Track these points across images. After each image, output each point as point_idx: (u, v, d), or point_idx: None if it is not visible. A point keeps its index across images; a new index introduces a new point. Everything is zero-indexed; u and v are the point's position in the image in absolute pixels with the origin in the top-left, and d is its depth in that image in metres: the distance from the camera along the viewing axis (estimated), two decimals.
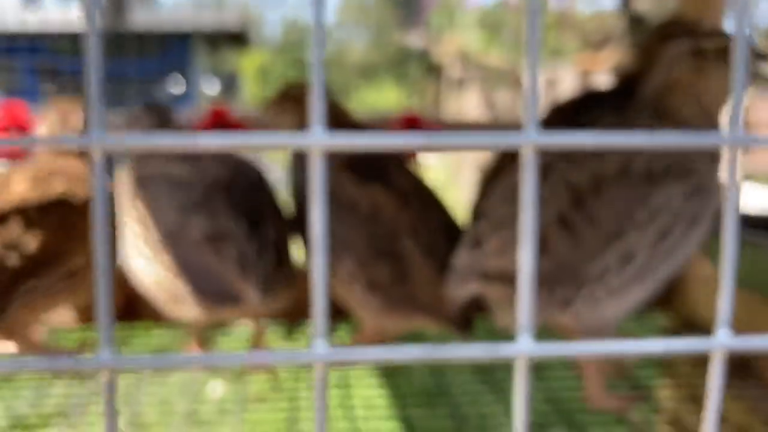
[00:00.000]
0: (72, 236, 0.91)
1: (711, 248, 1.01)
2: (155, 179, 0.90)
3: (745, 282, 0.99)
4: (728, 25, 1.00)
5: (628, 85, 0.80)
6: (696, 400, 0.86)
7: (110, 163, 0.97)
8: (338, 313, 0.98)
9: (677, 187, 0.74)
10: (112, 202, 0.93)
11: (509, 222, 0.77)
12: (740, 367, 0.94)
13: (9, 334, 0.92)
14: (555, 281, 0.75)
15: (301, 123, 0.92)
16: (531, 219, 0.25)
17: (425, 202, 0.91)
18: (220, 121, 1.13)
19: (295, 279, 0.91)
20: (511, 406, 0.74)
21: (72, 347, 1.03)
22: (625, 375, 0.90)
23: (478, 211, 0.81)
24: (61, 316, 1.11)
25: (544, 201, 0.74)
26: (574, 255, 0.75)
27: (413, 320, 0.90)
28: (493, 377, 0.93)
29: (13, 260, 0.86)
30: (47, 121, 0.99)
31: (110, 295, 0.24)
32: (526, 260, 0.25)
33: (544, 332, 0.80)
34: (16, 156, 1.16)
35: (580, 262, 0.75)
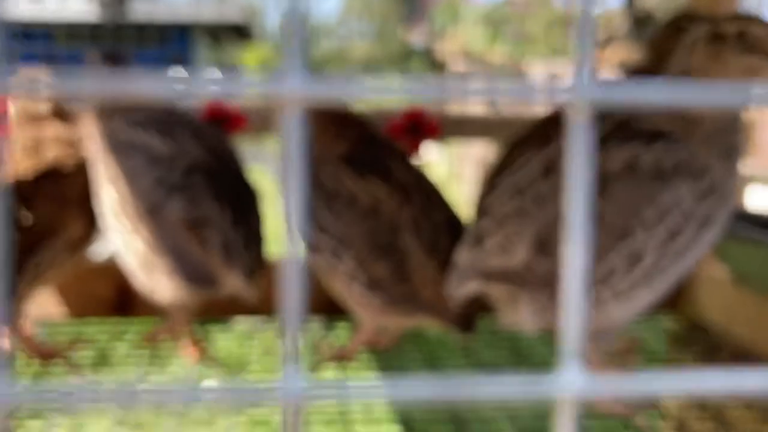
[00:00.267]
0: (67, 205, 0.90)
1: (722, 249, 0.98)
2: (130, 148, 0.88)
3: (754, 282, 0.97)
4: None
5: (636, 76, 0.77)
6: (702, 406, 0.84)
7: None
8: (337, 311, 0.96)
9: (688, 186, 0.71)
10: (88, 166, 0.91)
11: (513, 218, 0.74)
12: None
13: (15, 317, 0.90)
14: (557, 283, 0.73)
15: None
16: (581, 206, 0.20)
17: (427, 197, 0.88)
18: (217, 111, 1.11)
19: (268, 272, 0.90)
20: (514, 411, 0.72)
21: (64, 343, 1.01)
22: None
23: (483, 207, 0.79)
24: (53, 310, 1.09)
25: (545, 198, 0.72)
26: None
27: (414, 319, 0.88)
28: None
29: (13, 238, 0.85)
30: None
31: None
32: (573, 258, 0.21)
33: (546, 336, 0.78)
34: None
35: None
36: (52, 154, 0.91)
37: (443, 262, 0.81)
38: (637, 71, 0.78)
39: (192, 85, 0.19)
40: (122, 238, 0.88)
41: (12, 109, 0.93)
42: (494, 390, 0.19)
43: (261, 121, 1.15)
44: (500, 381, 0.19)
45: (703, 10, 1.03)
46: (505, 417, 0.81)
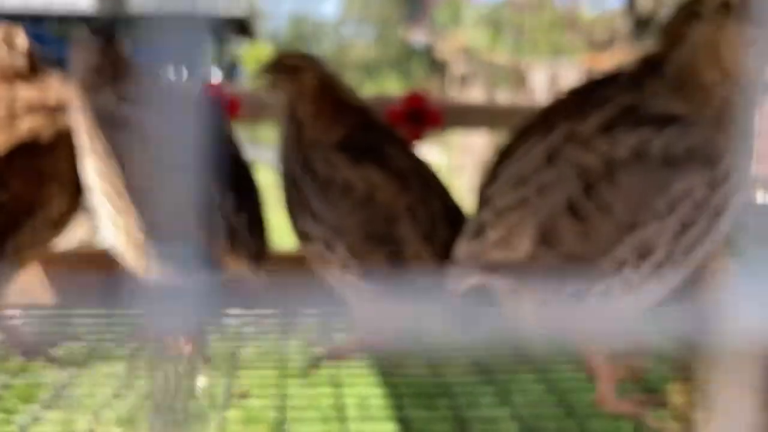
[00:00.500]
0: (46, 181, 0.86)
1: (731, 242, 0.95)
2: (122, 124, 0.85)
3: None
4: None
5: (650, 66, 0.74)
6: (711, 405, 0.81)
7: None
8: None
9: (701, 175, 0.68)
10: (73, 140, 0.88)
11: (516, 209, 0.72)
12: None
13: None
14: (565, 275, 0.70)
15: (295, 92, 0.87)
16: None
17: (425, 185, 0.86)
18: (213, 96, 1.08)
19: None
20: (513, 408, 0.69)
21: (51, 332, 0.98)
22: (638, 378, 0.85)
23: (484, 198, 0.76)
24: (40, 299, 1.06)
25: (551, 186, 0.70)
26: (585, 247, 0.70)
27: (411, 311, 0.85)
28: (495, 378, 0.87)
29: None
30: None
31: None
32: None
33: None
34: None
35: (593, 254, 0.69)
36: (27, 124, 0.87)
37: (441, 251, 0.79)
38: (648, 59, 0.75)
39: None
40: (112, 218, 0.85)
41: None
42: None
43: (255, 108, 1.12)
44: None
45: None
46: (508, 417, 0.78)
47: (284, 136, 0.89)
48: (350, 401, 0.82)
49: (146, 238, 0.83)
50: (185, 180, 0.82)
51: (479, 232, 0.74)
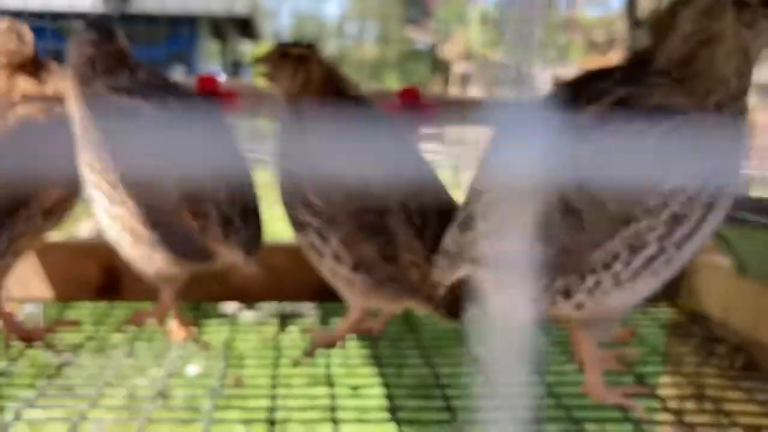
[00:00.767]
0: (39, 168, 0.86)
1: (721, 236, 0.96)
2: (116, 114, 0.86)
3: (753, 267, 0.94)
4: None
5: (641, 60, 0.75)
6: (700, 397, 0.82)
7: None
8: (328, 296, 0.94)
9: (694, 167, 0.68)
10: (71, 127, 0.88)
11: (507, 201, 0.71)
12: (750, 367, 0.89)
13: None
14: (555, 269, 0.70)
15: (299, 82, 0.88)
16: None
17: (419, 178, 0.86)
18: (209, 89, 1.09)
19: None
20: (507, 401, 0.69)
21: (45, 325, 0.98)
22: (627, 365, 0.85)
23: (475, 190, 0.76)
24: (41, 293, 1.07)
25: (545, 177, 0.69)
26: (577, 240, 0.69)
27: (401, 302, 0.86)
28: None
29: None
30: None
31: None
32: None
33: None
34: None
35: (585, 248, 0.69)
36: (22, 113, 0.88)
37: (432, 243, 0.79)
38: (639, 54, 0.76)
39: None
40: (108, 209, 0.86)
41: None
42: None
43: (253, 103, 1.12)
44: None
45: None
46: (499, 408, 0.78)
47: (282, 127, 0.90)
48: (343, 391, 0.83)
49: (141, 228, 0.84)
50: (178, 171, 0.84)
51: (467, 224, 0.73)
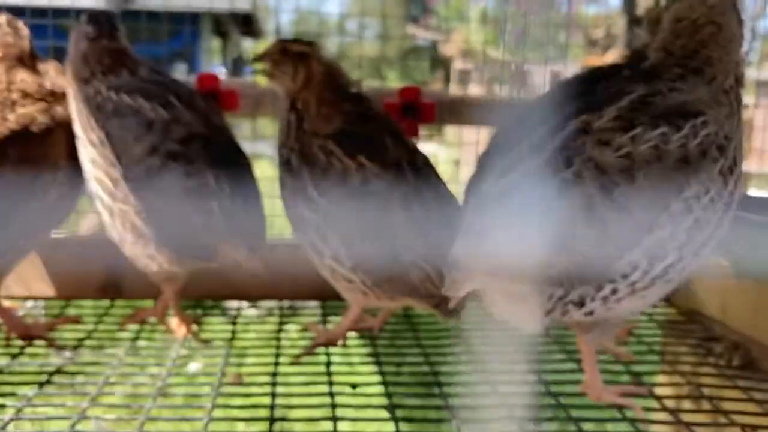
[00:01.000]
0: (41, 169, 0.87)
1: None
2: (116, 112, 0.86)
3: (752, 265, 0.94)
4: None
5: (639, 57, 0.75)
6: (696, 396, 0.82)
7: None
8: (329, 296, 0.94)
9: (714, 169, 0.68)
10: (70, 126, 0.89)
11: (509, 211, 0.70)
12: (747, 365, 0.89)
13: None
14: (574, 280, 0.67)
15: (300, 80, 0.88)
16: None
17: (420, 175, 0.86)
18: (209, 86, 1.09)
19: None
20: (505, 397, 0.69)
21: (46, 322, 0.99)
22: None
23: (473, 188, 0.75)
24: (43, 290, 1.07)
25: (567, 185, 0.65)
26: (600, 250, 0.66)
27: (401, 302, 0.86)
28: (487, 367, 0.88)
29: None
30: None
31: None
32: None
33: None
34: None
35: (607, 257, 0.66)
36: (21, 111, 0.88)
37: (433, 241, 0.79)
38: (634, 52, 0.76)
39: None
40: (109, 206, 0.86)
41: None
42: None
43: (253, 103, 1.12)
44: None
45: None
46: (497, 404, 0.79)
47: (283, 124, 0.90)
48: (343, 389, 0.83)
49: (142, 224, 0.84)
50: (181, 168, 0.84)
51: (481, 234, 0.69)
